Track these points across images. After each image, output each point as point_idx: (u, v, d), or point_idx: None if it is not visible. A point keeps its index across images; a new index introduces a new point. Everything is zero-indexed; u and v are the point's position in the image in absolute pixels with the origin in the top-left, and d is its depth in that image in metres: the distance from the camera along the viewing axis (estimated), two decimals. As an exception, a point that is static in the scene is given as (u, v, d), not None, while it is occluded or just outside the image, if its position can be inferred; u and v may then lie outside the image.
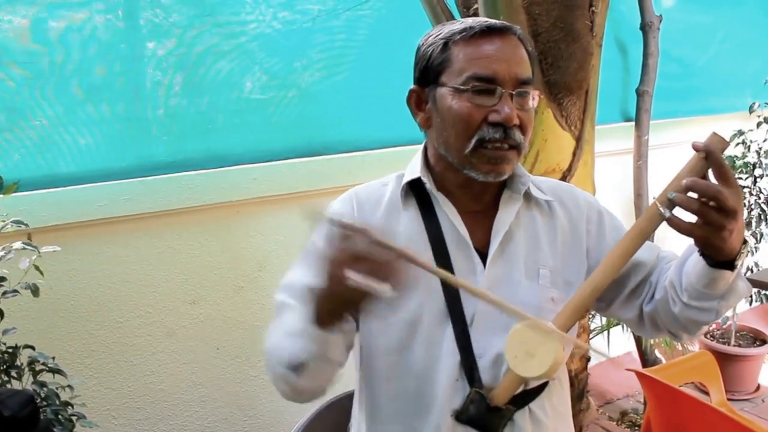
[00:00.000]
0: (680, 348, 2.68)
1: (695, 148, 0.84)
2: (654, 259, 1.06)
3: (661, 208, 0.85)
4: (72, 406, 1.53)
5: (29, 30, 1.78)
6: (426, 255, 1.00)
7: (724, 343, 2.82)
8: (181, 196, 2.02)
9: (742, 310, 3.35)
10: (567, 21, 1.92)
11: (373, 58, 2.33)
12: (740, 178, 3.03)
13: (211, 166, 2.09)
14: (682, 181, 0.83)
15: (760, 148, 3.04)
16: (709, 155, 0.82)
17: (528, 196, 1.07)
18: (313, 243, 1.04)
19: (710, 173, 0.85)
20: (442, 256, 1.00)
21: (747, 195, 3.04)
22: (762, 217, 3.03)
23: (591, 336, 2.52)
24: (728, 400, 2.13)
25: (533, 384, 1.02)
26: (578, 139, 2.06)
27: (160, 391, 2.09)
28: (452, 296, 0.99)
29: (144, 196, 1.96)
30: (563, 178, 2.03)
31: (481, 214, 1.05)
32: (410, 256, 0.75)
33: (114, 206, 1.92)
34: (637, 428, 2.55)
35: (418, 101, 1.04)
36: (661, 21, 2.87)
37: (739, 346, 2.82)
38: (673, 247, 1.06)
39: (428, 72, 1.00)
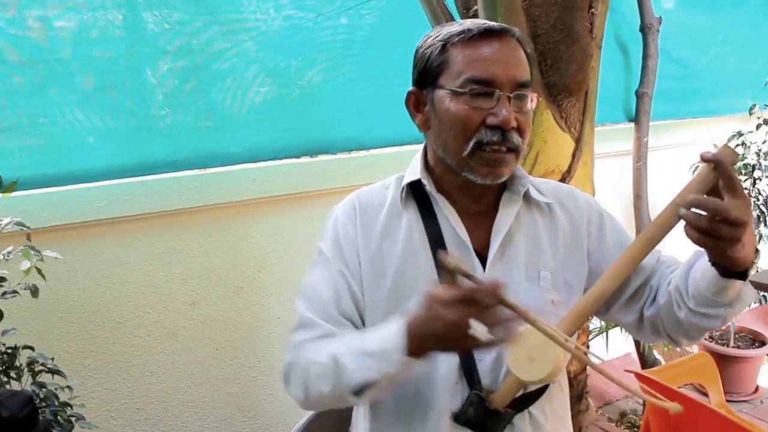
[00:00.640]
0: (679, 349, 2.68)
1: (704, 159, 0.83)
2: (654, 263, 1.05)
3: (680, 213, 0.84)
4: (71, 406, 1.53)
5: (30, 29, 1.78)
6: (425, 257, 1.01)
7: (723, 345, 2.82)
8: (180, 196, 2.02)
9: (741, 312, 3.35)
10: (566, 22, 1.92)
11: (376, 57, 2.32)
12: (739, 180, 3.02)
13: (213, 164, 2.09)
14: (688, 195, 0.82)
15: (760, 150, 3.04)
16: (718, 166, 0.81)
17: (528, 198, 1.06)
18: (322, 250, 1.05)
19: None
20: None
21: (746, 196, 3.04)
22: (761, 219, 3.04)
23: (590, 337, 2.52)
24: (727, 401, 2.13)
25: (533, 387, 1.01)
26: (578, 141, 2.06)
27: (160, 391, 2.09)
28: None
29: (144, 197, 1.96)
30: (563, 179, 2.03)
31: (481, 215, 1.04)
32: (529, 316, 0.80)
33: (114, 207, 1.92)
34: (636, 429, 2.55)
35: (416, 103, 1.04)
36: (660, 23, 2.87)
37: (738, 347, 2.82)
38: (673, 251, 1.06)
39: (426, 74, 1.00)
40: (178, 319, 2.09)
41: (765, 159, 3.04)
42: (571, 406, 1.19)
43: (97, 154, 1.91)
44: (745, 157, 3.04)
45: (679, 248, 1.00)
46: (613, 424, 2.59)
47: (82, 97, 1.87)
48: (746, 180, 3.04)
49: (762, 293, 3.11)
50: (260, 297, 2.21)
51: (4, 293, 1.47)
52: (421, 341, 0.85)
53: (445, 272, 0.82)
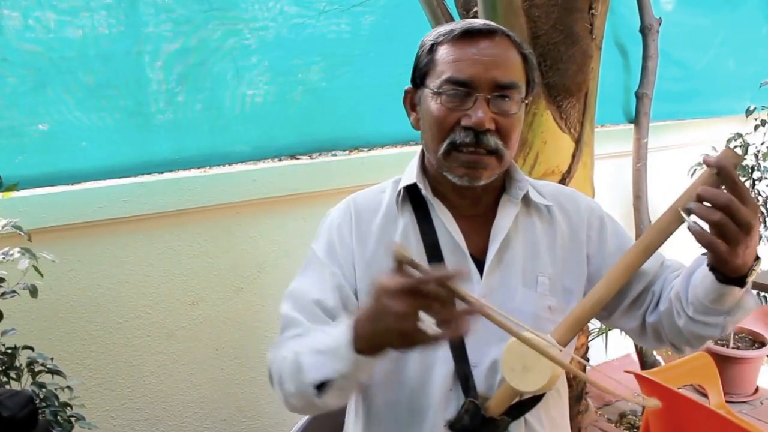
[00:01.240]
0: (679, 350, 2.68)
1: (707, 163, 0.80)
2: (657, 268, 1.03)
3: (684, 215, 0.82)
4: (71, 407, 1.53)
5: (30, 28, 1.78)
6: (421, 262, 1.00)
7: (722, 346, 2.81)
8: (180, 197, 2.02)
9: (741, 320, 3.34)
10: (566, 23, 1.92)
11: (378, 57, 2.32)
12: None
13: (214, 163, 2.08)
14: (695, 191, 0.79)
15: (758, 151, 3.05)
16: (721, 171, 0.78)
17: (527, 201, 1.05)
18: (315, 252, 1.04)
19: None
20: (437, 264, 0.98)
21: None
22: (761, 220, 3.04)
23: (590, 338, 2.52)
24: (727, 402, 2.13)
25: (529, 394, 0.99)
26: (577, 141, 2.06)
27: (160, 392, 2.09)
28: None
29: (143, 198, 1.96)
30: (562, 180, 2.03)
31: (479, 218, 1.03)
32: (485, 310, 0.75)
33: (113, 207, 1.92)
34: (635, 430, 2.55)
35: (411, 102, 1.04)
36: (660, 24, 2.87)
37: (738, 348, 2.82)
38: (676, 255, 1.05)
39: (417, 73, 1.01)
40: (178, 319, 2.09)
41: (764, 160, 3.04)
42: (570, 407, 1.19)
43: (98, 153, 1.90)
44: (744, 159, 3.04)
45: (681, 252, 0.99)
46: (613, 425, 2.59)
47: (81, 97, 1.86)
48: (746, 181, 3.04)
49: (762, 293, 3.12)
50: (260, 297, 2.21)
51: (4, 293, 1.46)
52: (369, 336, 0.78)
53: (394, 262, 0.75)
